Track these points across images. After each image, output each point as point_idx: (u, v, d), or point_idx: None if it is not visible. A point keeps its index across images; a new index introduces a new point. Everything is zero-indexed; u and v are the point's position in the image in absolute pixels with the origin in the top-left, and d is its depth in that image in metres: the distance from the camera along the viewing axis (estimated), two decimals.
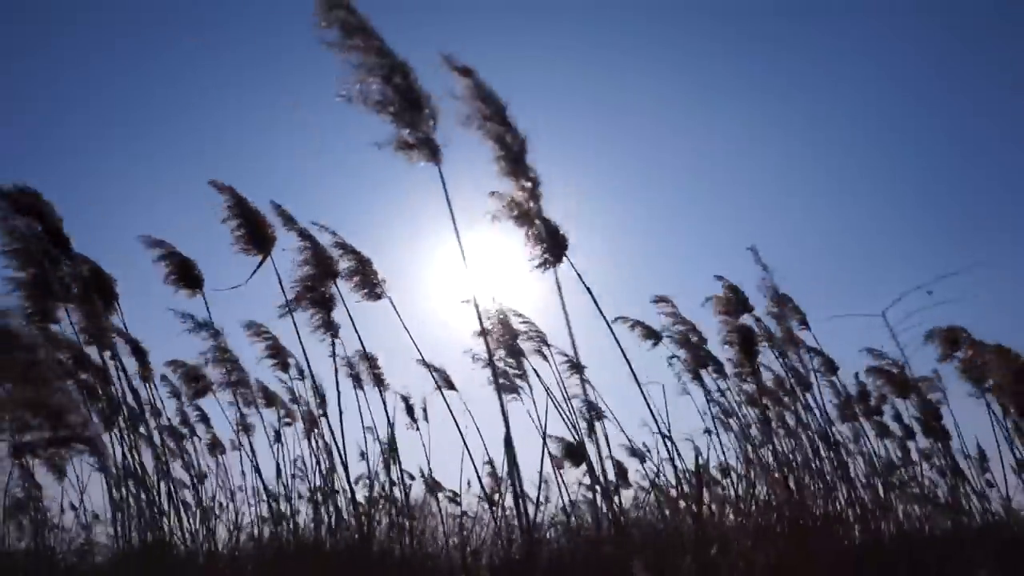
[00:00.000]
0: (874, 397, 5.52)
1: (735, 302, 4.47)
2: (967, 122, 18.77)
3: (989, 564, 3.36)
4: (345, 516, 4.18)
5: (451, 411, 3.83)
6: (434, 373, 4.61)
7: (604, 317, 3.50)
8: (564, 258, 3.41)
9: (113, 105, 19.77)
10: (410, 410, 5.50)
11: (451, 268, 3.15)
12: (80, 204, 18.78)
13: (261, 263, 3.79)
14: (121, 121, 19.57)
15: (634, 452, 5.28)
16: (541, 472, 4.21)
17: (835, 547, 3.82)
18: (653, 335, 4.85)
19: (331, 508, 4.21)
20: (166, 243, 3.96)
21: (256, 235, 3.77)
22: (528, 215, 3.30)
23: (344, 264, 3.90)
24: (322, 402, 4.92)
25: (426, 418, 5.57)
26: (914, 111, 19.58)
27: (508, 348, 4.19)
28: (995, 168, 18.10)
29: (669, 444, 4.27)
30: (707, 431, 5.93)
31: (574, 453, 4.69)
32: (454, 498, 6.09)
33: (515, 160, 3.15)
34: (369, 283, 3.90)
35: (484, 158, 3.16)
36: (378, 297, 3.92)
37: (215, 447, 5.41)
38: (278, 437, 5.01)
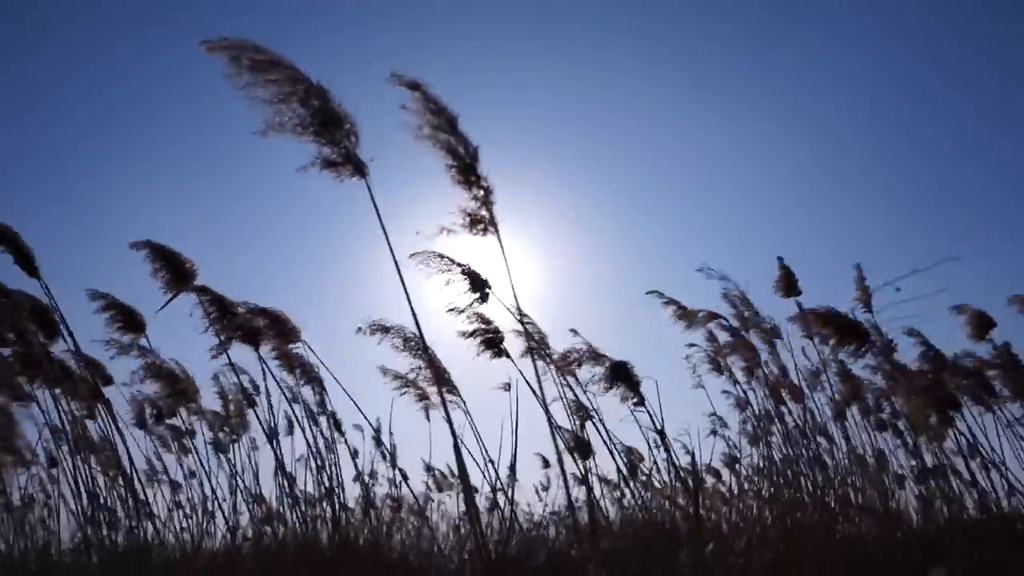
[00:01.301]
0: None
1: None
2: (963, 118, 18.26)
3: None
4: (344, 515, 4.20)
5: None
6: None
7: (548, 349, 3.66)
8: (488, 297, 3.56)
9: (113, 105, 19.91)
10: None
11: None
12: (80, 204, 19.06)
13: (176, 295, 4.16)
14: (121, 121, 19.76)
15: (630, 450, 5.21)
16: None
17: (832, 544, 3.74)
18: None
19: (330, 507, 4.22)
20: (108, 295, 4.31)
21: (176, 273, 4.17)
22: (481, 222, 3.31)
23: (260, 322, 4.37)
24: (321, 400, 4.93)
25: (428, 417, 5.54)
26: (908, 107, 19.09)
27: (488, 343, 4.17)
28: (987, 164, 17.62)
29: (663, 441, 4.21)
30: (713, 432, 5.86)
31: (580, 446, 4.69)
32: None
33: (467, 169, 3.22)
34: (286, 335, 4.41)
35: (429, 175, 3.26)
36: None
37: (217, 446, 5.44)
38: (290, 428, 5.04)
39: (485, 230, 3.33)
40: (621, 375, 4.04)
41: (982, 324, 4.63)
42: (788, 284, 4.83)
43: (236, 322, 4.21)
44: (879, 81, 18.96)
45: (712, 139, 18.91)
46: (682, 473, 4.06)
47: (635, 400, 4.04)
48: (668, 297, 4.69)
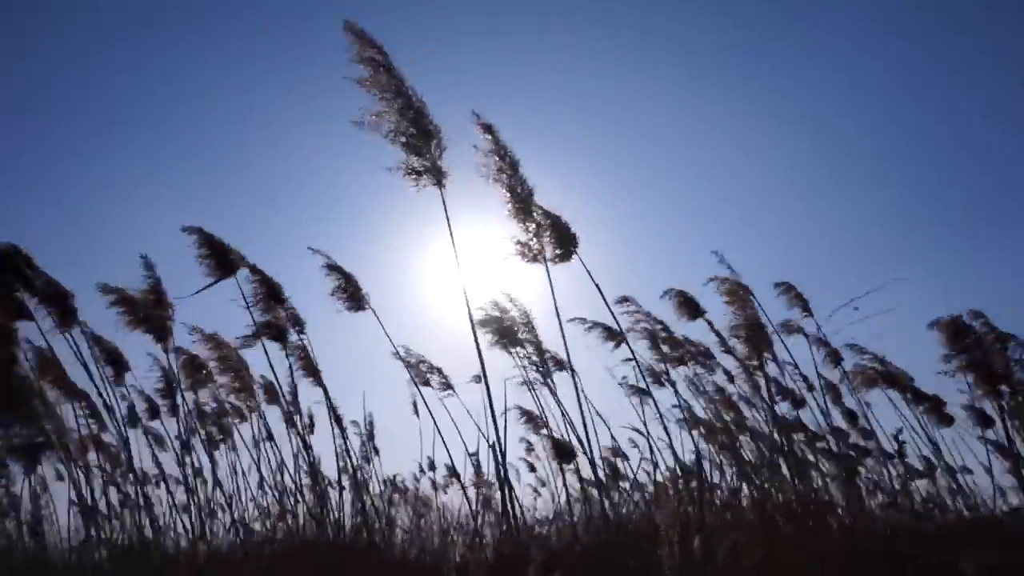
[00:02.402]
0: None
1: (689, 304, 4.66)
2: (964, 113, 18.77)
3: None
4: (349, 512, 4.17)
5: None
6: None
7: (612, 313, 3.81)
8: (574, 255, 3.70)
9: (113, 105, 19.52)
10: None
11: (449, 282, 3.50)
12: (80, 204, 18.56)
13: (219, 279, 4.10)
14: (121, 120, 19.35)
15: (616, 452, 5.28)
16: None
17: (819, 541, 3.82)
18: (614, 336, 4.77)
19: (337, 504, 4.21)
20: (120, 289, 4.14)
21: (221, 261, 4.11)
22: (532, 251, 3.60)
23: (332, 282, 4.23)
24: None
25: (416, 412, 5.49)
26: (908, 100, 19.57)
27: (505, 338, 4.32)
28: (988, 160, 18.09)
29: (652, 443, 4.28)
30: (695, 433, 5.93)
31: (564, 451, 4.71)
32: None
33: (523, 206, 3.57)
34: (354, 297, 4.22)
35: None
36: (362, 308, 4.24)
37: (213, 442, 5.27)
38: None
39: (535, 259, 3.61)
40: (756, 333, 4.08)
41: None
42: (691, 309, 4.83)
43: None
44: (878, 74, 19.33)
45: (712, 132, 19.09)
46: (684, 469, 4.11)
47: (756, 364, 4.11)
48: (592, 321, 4.69)
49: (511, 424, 4.38)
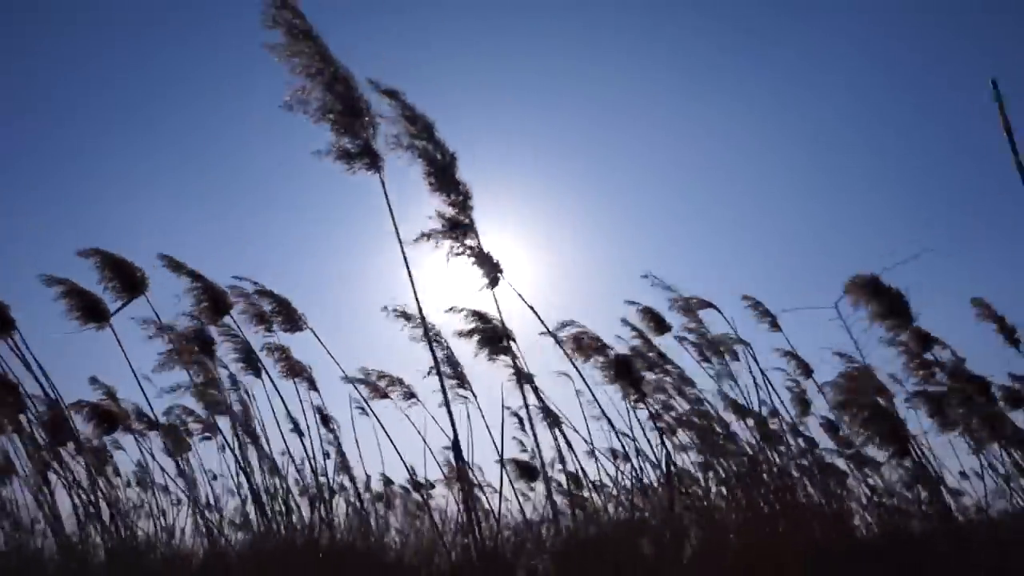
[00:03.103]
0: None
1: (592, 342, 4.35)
2: (964, 116, 18.22)
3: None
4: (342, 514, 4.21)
5: None
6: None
7: (548, 330, 3.67)
8: (500, 281, 3.41)
9: (113, 105, 19.85)
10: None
11: (395, 275, 3.20)
12: (79, 205, 18.96)
13: (128, 302, 3.98)
14: (120, 120, 19.73)
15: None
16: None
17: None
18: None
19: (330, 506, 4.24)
20: (68, 280, 4.01)
21: (127, 283, 3.99)
22: (460, 226, 3.24)
23: (266, 306, 4.23)
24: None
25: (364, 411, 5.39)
26: (908, 104, 19.10)
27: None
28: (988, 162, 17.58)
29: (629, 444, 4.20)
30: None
31: (527, 470, 4.71)
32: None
33: (444, 176, 3.17)
34: (290, 318, 4.21)
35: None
36: (300, 329, 4.24)
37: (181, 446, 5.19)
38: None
39: (464, 234, 3.26)
40: (624, 371, 3.92)
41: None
42: (657, 323, 4.77)
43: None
44: (878, 78, 18.93)
45: (711, 135, 18.84)
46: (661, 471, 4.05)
47: (636, 397, 3.95)
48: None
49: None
